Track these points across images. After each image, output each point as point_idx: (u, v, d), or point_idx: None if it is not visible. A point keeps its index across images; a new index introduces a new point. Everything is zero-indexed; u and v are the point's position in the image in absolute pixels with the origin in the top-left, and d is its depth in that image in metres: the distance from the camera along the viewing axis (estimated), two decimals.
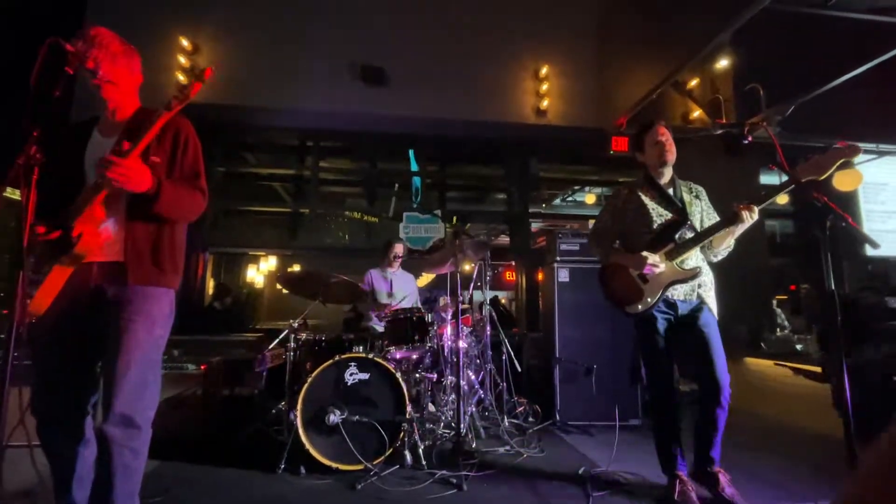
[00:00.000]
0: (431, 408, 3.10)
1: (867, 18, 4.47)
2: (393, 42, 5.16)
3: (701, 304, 2.13)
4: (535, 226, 6.22)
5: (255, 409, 3.38)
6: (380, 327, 3.39)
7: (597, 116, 5.24)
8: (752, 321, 4.96)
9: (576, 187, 7.92)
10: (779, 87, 4.44)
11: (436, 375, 3.18)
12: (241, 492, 2.20)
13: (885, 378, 2.93)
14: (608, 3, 5.47)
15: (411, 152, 5.85)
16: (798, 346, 4.07)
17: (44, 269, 1.33)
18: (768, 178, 5.47)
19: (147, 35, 4.84)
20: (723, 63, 4.88)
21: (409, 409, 2.51)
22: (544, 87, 5.26)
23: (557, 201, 8.37)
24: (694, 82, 5.20)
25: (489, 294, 3.63)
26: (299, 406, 2.41)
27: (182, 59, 4.83)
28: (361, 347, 2.82)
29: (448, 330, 3.21)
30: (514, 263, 5.88)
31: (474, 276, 3.47)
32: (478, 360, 3.42)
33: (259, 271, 8.60)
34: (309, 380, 2.46)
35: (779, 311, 5.65)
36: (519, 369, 3.56)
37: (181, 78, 4.79)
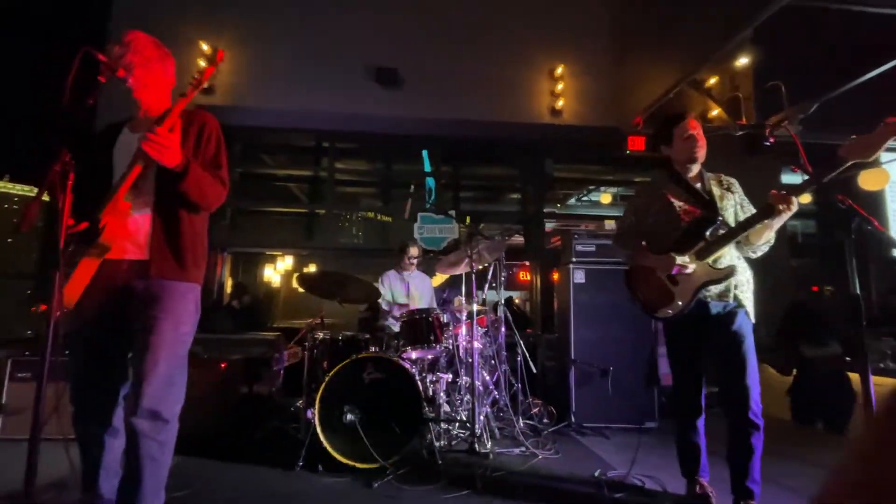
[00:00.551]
0: (446, 408, 3.11)
1: (893, 13, 4.33)
2: (407, 44, 5.19)
3: (737, 307, 1.96)
4: (550, 226, 6.18)
5: (273, 407, 3.45)
6: (395, 327, 3.42)
7: (612, 116, 5.19)
8: (771, 324, 4.85)
9: (591, 187, 7.85)
10: (801, 85, 4.34)
11: (451, 376, 3.20)
12: (261, 488, 2.25)
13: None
14: (623, 2, 5.42)
15: (425, 153, 5.87)
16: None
17: (74, 261, 1.38)
18: (790, 178, 5.35)
19: (169, 40, 4.93)
20: (743, 60, 4.78)
21: (424, 408, 2.53)
22: (559, 86, 5.23)
23: (572, 201, 8.31)
24: (713, 80, 5.10)
25: (504, 294, 3.63)
26: (317, 404, 2.45)
27: (203, 64, 4.93)
28: (377, 347, 2.85)
29: (463, 330, 3.23)
30: (528, 264, 5.86)
31: (489, 277, 3.47)
32: (492, 361, 3.43)
33: (276, 271, 8.73)
34: (326, 379, 2.50)
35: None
36: (534, 370, 3.55)
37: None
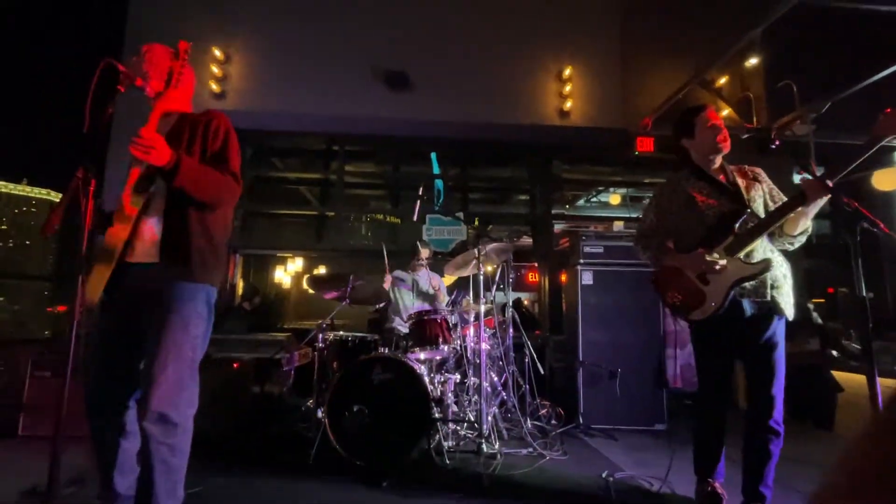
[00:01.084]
0: (455, 408, 3.13)
1: None
2: (416, 47, 5.23)
3: (772, 310, 1.84)
4: (559, 227, 6.17)
5: (284, 407, 3.50)
6: (404, 328, 3.46)
7: (621, 117, 5.17)
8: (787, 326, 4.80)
9: (600, 188, 7.82)
10: (814, 84, 4.29)
11: (459, 376, 3.22)
12: (272, 486, 2.29)
13: None
14: (632, 3, 5.40)
15: (433, 155, 5.90)
16: (834, 353, 3.93)
17: (89, 266, 1.41)
18: (804, 175, 5.27)
19: None
20: (753, 60, 4.74)
21: (433, 409, 2.56)
22: (567, 88, 5.23)
23: (581, 202, 8.28)
24: (723, 80, 5.07)
25: (512, 296, 3.64)
26: (327, 404, 2.49)
27: (215, 69, 5.03)
28: (386, 348, 2.88)
29: (471, 331, 3.25)
30: (536, 265, 5.86)
31: (497, 278, 3.49)
32: (500, 362, 3.44)
33: (286, 272, 8.82)
34: (336, 379, 2.54)
35: (815, 314, 5.45)
36: (542, 372, 3.56)
37: (213, 87, 4.99)
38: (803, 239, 1.86)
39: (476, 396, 3.00)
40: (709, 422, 1.98)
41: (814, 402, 3.56)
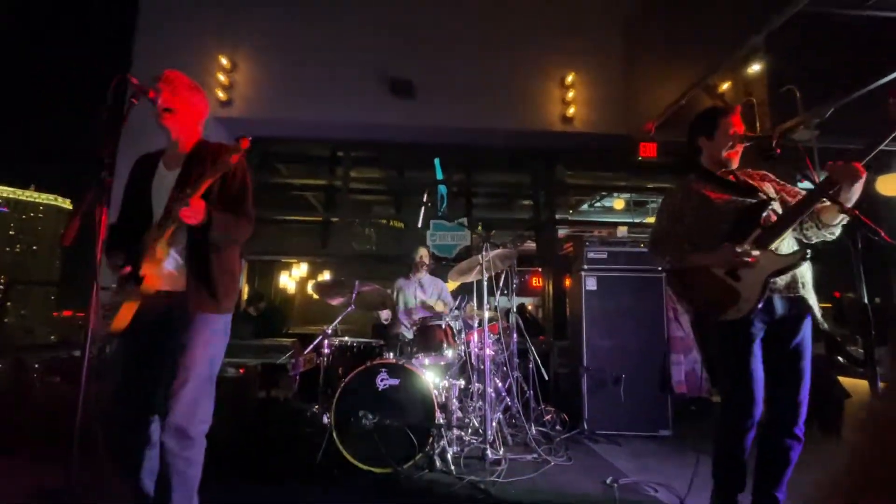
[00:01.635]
0: (459, 414, 3.14)
1: None
2: (420, 54, 5.28)
3: (803, 309, 1.75)
4: (563, 232, 6.19)
5: (290, 412, 3.52)
6: (409, 334, 3.47)
7: (624, 123, 5.19)
8: None
9: (603, 193, 7.84)
10: (817, 89, 4.30)
11: (463, 382, 3.23)
12: (278, 491, 2.30)
13: None
14: (634, 9, 5.44)
15: (437, 161, 5.94)
16: (840, 359, 3.91)
17: (118, 297, 1.54)
18: (806, 184, 5.27)
19: (189, 55, 5.14)
20: (756, 66, 4.75)
21: (437, 414, 2.57)
22: (570, 94, 5.26)
23: (585, 207, 8.29)
24: (726, 85, 5.07)
25: (516, 301, 3.66)
26: (332, 409, 2.51)
27: (221, 77, 5.10)
28: (391, 353, 2.90)
29: (475, 337, 3.26)
30: (540, 270, 5.87)
31: (500, 284, 3.50)
32: (504, 368, 3.45)
33: (291, 277, 8.86)
34: (342, 384, 2.56)
35: (821, 319, 5.42)
36: (546, 377, 3.56)
37: (220, 94, 5.06)
38: (839, 230, 1.76)
39: (480, 402, 3.01)
40: (740, 438, 1.75)
41: (821, 407, 3.54)
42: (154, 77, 1.55)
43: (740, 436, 1.74)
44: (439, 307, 3.65)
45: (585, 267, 3.71)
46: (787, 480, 1.74)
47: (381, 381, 2.60)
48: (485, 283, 3.07)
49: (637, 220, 8.12)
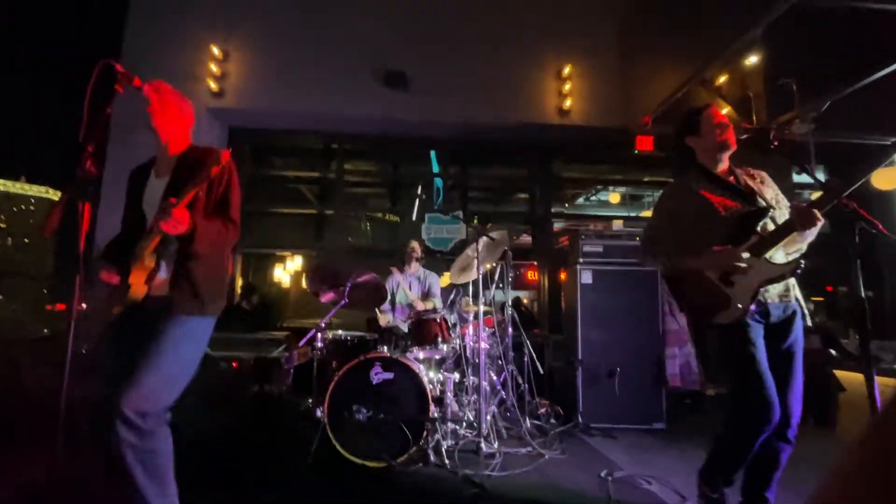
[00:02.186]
0: (454, 407, 3.14)
1: None
2: (415, 46, 5.22)
3: (795, 314, 1.79)
4: (558, 225, 6.18)
5: (283, 405, 3.50)
6: (403, 327, 3.45)
7: (621, 115, 5.17)
8: None
9: (599, 186, 7.83)
10: (813, 83, 4.29)
11: (458, 376, 3.23)
12: (271, 485, 2.29)
13: None
14: (631, 1, 5.39)
15: (433, 153, 5.90)
16: (833, 352, 3.93)
17: (108, 310, 1.54)
18: (803, 177, 5.28)
19: (182, 44, 5.06)
20: (753, 59, 4.73)
21: (432, 408, 2.56)
22: (567, 86, 5.22)
23: (581, 200, 8.28)
24: (723, 79, 5.05)
25: (511, 295, 3.64)
26: (326, 403, 2.50)
27: (213, 67, 5.02)
28: (386, 347, 2.89)
29: (470, 330, 3.25)
30: (535, 264, 5.87)
31: (496, 277, 3.48)
32: (499, 361, 3.45)
33: (285, 270, 8.81)
34: (336, 378, 2.54)
35: (807, 314, 5.46)
36: (541, 371, 3.56)
37: (212, 85, 4.98)
38: (796, 256, 1.82)
39: (475, 396, 3.00)
40: (753, 440, 1.71)
41: (815, 401, 3.56)
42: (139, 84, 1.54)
43: (753, 438, 1.72)
44: (420, 305, 3.65)
45: (581, 260, 3.70)
46: (777, 479, 1.76)
47: (376, 374, 2.59)
48: (479, 277, 3.05)
49: (633, 214, 8.13)
